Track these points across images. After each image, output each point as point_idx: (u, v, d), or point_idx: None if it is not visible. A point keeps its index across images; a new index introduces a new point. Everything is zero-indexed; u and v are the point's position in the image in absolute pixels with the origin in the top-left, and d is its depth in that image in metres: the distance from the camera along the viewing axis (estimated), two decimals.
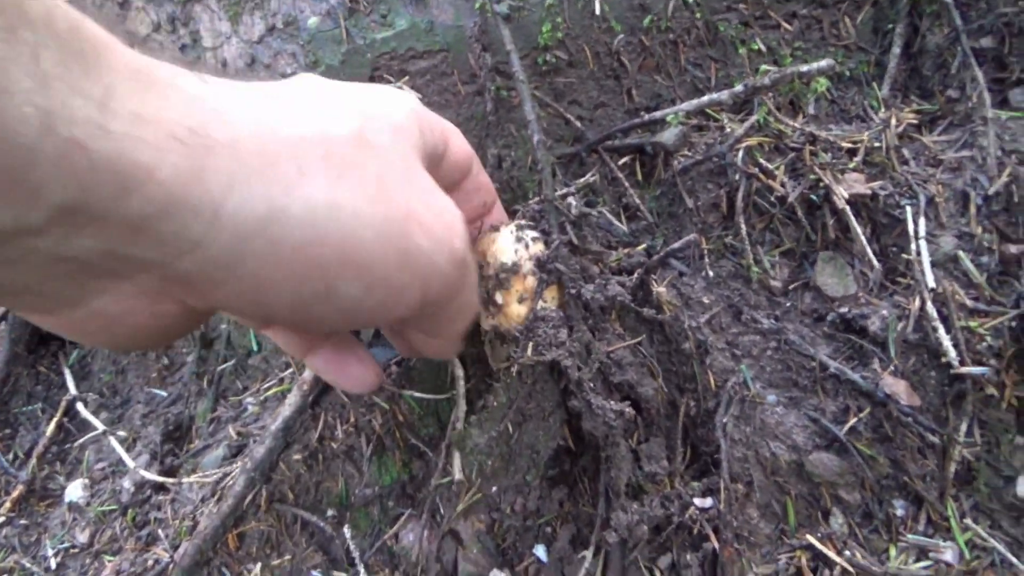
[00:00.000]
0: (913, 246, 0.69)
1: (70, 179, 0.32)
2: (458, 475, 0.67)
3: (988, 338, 0.65)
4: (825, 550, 0.68)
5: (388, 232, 0.48)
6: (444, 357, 0.75)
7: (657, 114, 0.83)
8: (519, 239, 0.73)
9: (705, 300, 0.76)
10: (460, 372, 0.77)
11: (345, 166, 0.45)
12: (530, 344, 0.66)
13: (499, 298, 0.71)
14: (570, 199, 0.74)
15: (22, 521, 0.98)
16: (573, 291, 0.70)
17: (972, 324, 0.67)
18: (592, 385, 0.66)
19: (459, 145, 0.63)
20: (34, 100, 0.30)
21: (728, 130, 0.81)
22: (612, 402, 0.65)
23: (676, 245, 0.73)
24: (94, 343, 0.47)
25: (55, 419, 1.06)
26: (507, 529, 0.81)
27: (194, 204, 0.37)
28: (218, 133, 0.39)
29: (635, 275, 0.74)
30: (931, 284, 0.66)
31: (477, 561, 0.81)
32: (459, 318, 0.63)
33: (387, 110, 0.52)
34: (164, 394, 1.10)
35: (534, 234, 0.72)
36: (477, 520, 0.82)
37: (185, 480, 0.91)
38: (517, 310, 0.70)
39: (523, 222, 0.75)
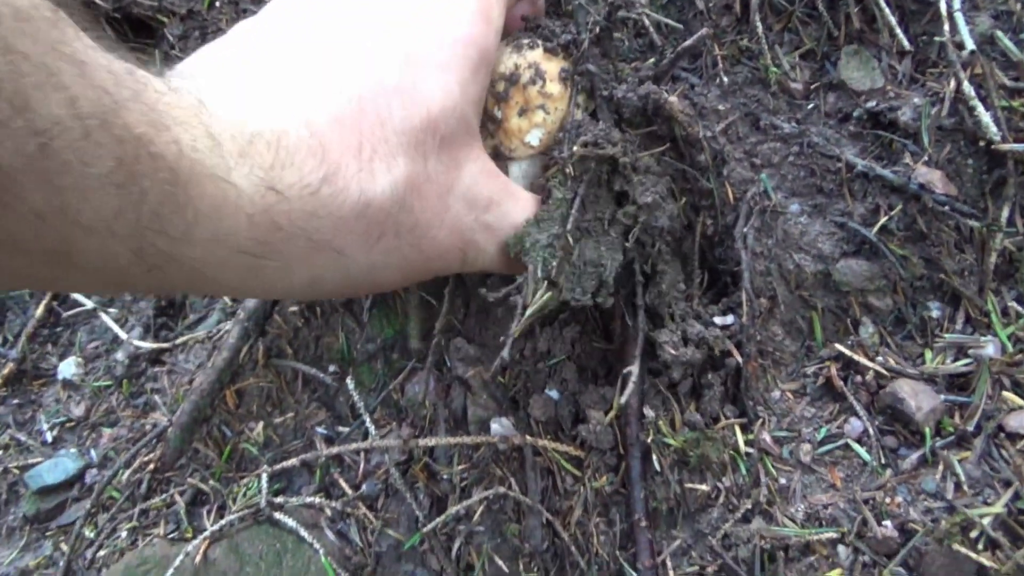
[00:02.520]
0: (946, 26, 0.63)
1: (154, 275, 0.41)
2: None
3: None
4: (855, 356, 0.64)
5: (416, 271, 0.55)
6: None
7: None
8: (516, 48, 0.67)
9: (720, 108, 0.70)
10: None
11: (383, 232, 0.50)
12: (580, 140, 0.60)
13: (498, 112, 0.65)
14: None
15: (15, 400, 0.95)
16: (606, 93, 0.65)
17: (1013, 104, 0.61)
18: (648, 187, 0.61)
19: None
20: (128, 244, 0.38)
21: None
22: (670, 202, 0.61)
23: (687, 43, 0.67)
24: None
25: (43, 302, 1.01)
26: (517, 374, 0.76)
27: (249, 291, 0.51)
28: (275, 236, 0.45)
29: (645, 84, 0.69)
30: (970, 45, 0.60)
31: (487, 406, 0.77)
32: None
33: (437, 106, 0.52)
34: None
35: (530, 41, 0.66)
36: (483, 371, 0.78)
37: (179, 340, 0.87)
38: (517, 124, 0.65)
39: (520, 34, 0.69)
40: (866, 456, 0.61)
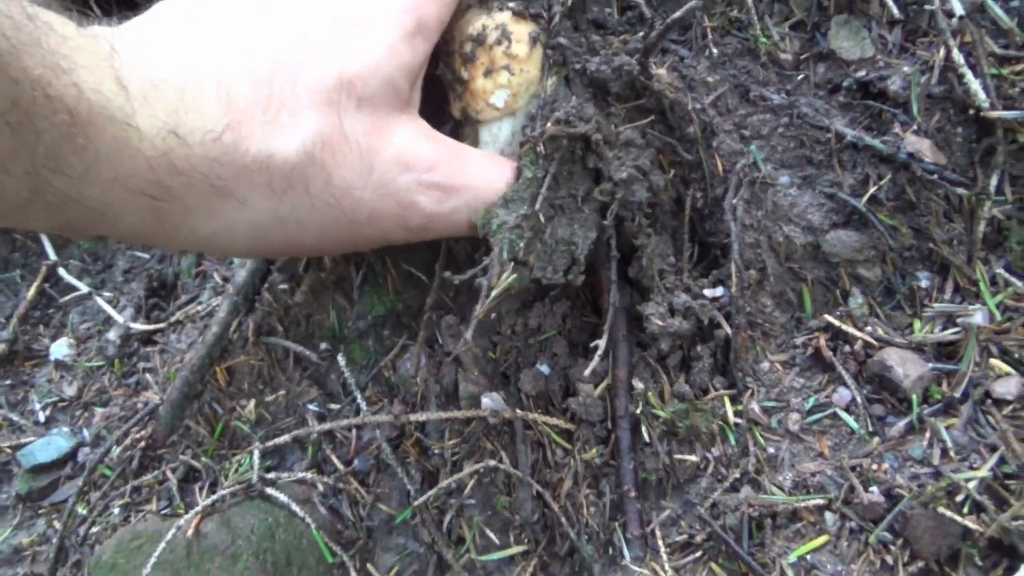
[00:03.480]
0: None
1: (53, 214, 0.43)
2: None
3: (1020, 83, 0.60)
4: (844, 327, 0.64)
5: (344, 234, 0.55)
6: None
7: None
8: (486, 10, 0.67)
9: (709, 80, 0.70)
10: None
11: (290, 184, 0.50)
12: (553, 117, 0.60)
13: (464, 73, 0.65)
14: None
15: (7, 381, 0.95)
16: (578, 66, 0.64)
17: (1003, 71, 0.61)
18: (625, 162, 0.61)
19: None
20: (25, 183, 0.40)
21: None
22: (655, 175, 0.61)
23: (677, 15, 0.67)
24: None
25: (35, 284, 1.01)
26: (508, 350, 0.76)
27: (154, 236, 0.49)
28: (176, 180, 0.46)
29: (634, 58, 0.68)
30: (959, 12, 0.60)
31: (478, 381, 0.77)
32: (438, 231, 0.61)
33: (361, 68, 0.52)
34: (147, 256, 1.05)
35: (499, 3, 0.66)
36: (475, 347, 0.78)
37: (172, 319, 0.87)
38: (482, 84, 0.64)
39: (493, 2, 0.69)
40: (854, 424, 0.61)
